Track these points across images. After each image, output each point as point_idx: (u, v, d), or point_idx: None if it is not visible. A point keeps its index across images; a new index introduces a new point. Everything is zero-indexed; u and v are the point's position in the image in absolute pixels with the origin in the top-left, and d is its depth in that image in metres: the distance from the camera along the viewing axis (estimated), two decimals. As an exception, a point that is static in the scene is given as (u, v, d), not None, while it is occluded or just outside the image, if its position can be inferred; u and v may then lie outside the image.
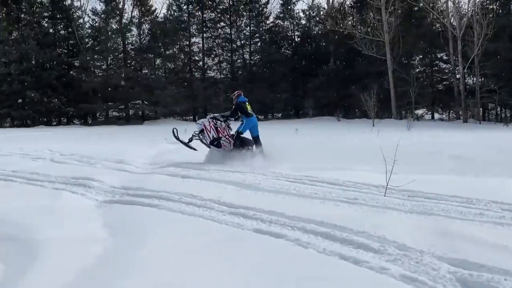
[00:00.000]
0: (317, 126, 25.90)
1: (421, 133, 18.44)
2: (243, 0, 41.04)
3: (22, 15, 37.65)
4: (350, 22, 35.66)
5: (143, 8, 39.25)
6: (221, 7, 41.35)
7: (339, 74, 37.27)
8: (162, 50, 39.01)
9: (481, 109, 31.94)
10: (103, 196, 6.17)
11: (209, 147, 9.70)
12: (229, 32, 41.49)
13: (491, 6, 31.09)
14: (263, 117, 40.84)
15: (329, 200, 5.66)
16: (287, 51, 41.93)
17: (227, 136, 9.43)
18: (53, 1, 38.16)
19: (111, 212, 5.22)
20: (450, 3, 30.61)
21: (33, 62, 36.95)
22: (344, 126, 25.39)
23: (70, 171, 8.10)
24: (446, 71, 35.31)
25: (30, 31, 36.00)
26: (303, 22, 41.72)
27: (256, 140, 9.67)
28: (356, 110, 36.38)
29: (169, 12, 41.29)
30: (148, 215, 5.02)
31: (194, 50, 42.03)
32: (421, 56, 35.24)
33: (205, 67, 41.72)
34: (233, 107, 9.78)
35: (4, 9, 35.98)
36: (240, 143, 9.50)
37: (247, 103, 9.75)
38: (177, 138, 9.75)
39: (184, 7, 41.18)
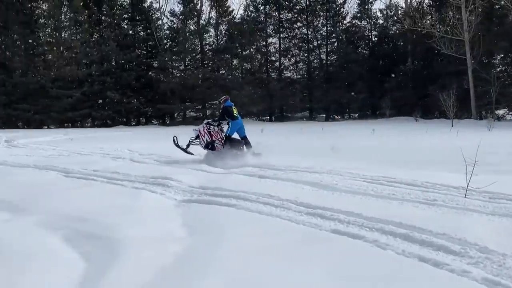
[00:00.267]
0: (394, 127, 25.74)
1: (502, 133, 17.86)
2: (320, 0, 41.02)
3: (103, 17, 39.38)
4: (428, 21, 34.69)
5: (220, 9, 40.06)
6: (298, 7, 41.56)
7: (416, 74, 36.85)
8: (239, 50, 39.63)
9: None
10: (182, 196, 6.20)
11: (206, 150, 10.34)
12: (306, 32, 41.67)
13: None
14: (339, 117, 40.64)
15: (407, 201, 5.53)
16: (364, 51, 41.72)
17: (220, 139, 10.07)
18: (132, 3, 39.66)
19: (190, 212, 5.27)
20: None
21: (113, 63, 38.58)
22: (422, 127, 24.89)
23: (149, 171, 8.21)
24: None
25: (111, 33, 37.68)
26: (381, 21, 41.52)
27: (245, 140, 10.27)
28: (435, 111, 35.28)
29: (246, 13, 42.01)
30: (226, 215, 5.03)
31: (271, 50, 42.48)
32: (502, 55, 34.01)
33: (282, 67, 42.05)
34: (221, 111, 10.46)
35: (86, 11, 37.78)
36: (230, 144, 10.07)
37: (233, 107, 10.37)
38: (177, 145, 10.48)
39: (261, 7, 41.71)
